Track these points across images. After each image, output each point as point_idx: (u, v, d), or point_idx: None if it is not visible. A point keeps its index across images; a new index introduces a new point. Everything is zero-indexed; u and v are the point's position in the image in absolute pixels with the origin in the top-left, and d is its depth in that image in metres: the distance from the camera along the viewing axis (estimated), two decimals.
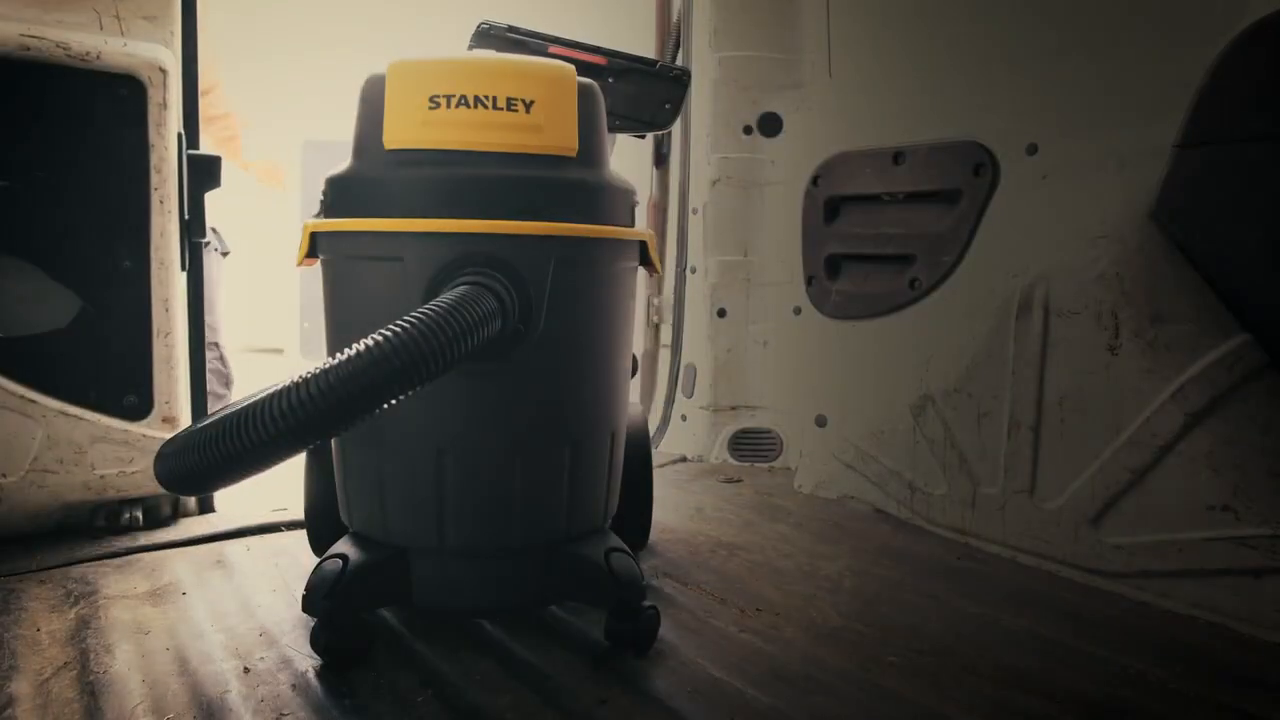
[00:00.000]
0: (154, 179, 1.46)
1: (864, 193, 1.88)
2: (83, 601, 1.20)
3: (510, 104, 1.00)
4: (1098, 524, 1.31)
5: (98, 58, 1.39)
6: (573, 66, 1.07)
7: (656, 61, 1.41)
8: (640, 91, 1.37)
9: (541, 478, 1.06)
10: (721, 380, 2.12)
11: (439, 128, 1.00)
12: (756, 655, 1.08)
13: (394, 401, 0.83)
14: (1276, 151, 1.20)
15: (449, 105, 0.99)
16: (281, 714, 0.93)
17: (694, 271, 2.16)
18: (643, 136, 1.42)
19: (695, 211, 2.15)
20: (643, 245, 1.14)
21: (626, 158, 2.34)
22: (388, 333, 0.82)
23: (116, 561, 1.36)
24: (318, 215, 1.09)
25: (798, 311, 2.03)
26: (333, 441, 1.12)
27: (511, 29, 1.38)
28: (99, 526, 1.47)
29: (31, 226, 1.39)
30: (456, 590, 1.09)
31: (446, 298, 0.89)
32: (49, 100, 1.38)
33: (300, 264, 1.10)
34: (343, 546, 1.08)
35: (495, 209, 0.99)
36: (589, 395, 1.09)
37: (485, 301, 0.90)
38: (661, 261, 2.33)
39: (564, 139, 1.03)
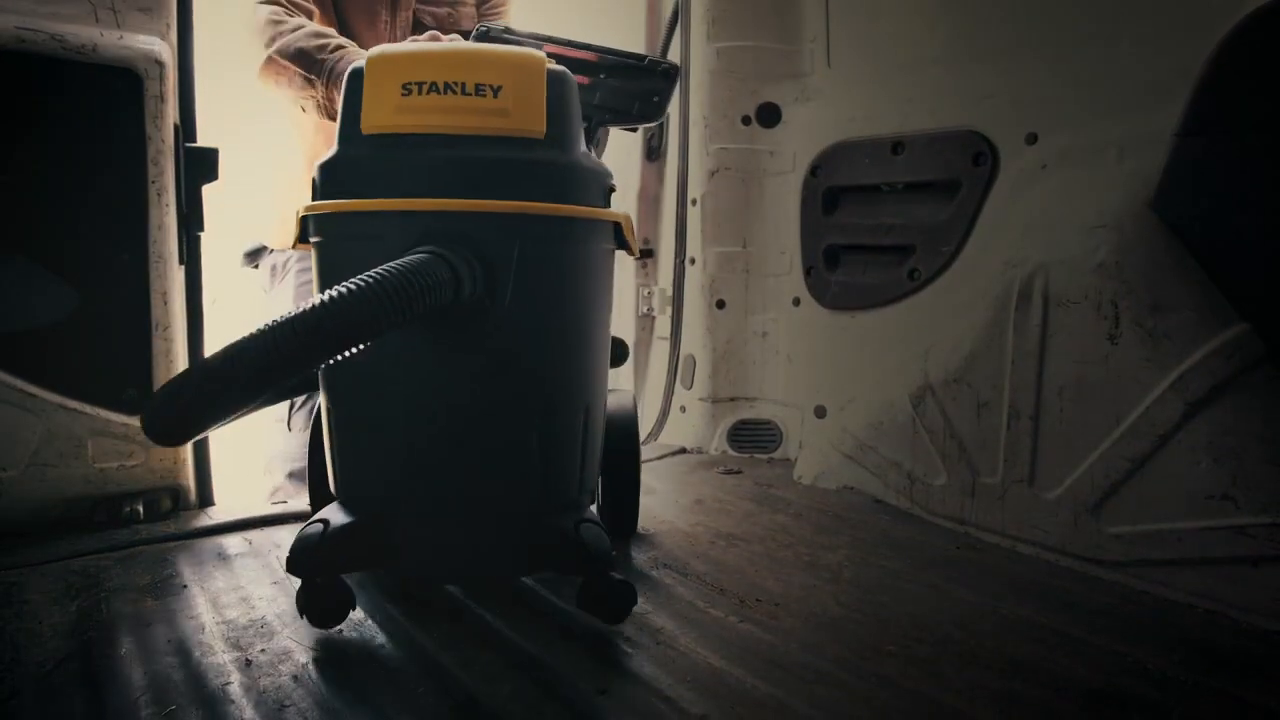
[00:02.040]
0: (151, 172, 1.45)
1: (863, 183, 1.88)
2: (84, 594, 1.20)
3: (479, 89, 1.05)
4: (1097, 513, 1.31)
5: (94, 50, 1.38)
6: (542, 54, 1.11)
7: (645, 57, 1.46)
8: (630, 86, 1.41)
9: (513, 449, 1.09)
10: (720, 371, 2.12)
11: (411, 112, 1.05)
12: (756, 645, 1.08)
13: (349, 352, 0.87)
14: (1276, 140, 1.19)
15: (421, 91, 1.04)
16: (283, 705, 0.93)
17: (692, 263, 2.16)
18: (634, 129, 1.45)
19: (694, 202, 2.14)
20: (617, 226, 1.16)
21: (619, 152, 2.35)
22: (343, 289, 0.87)
23: (117, 555, 1.36)
24: None
25: (797, 302, 2.03)
26: (326, 413, 1.16)
27: (508, 30, 1.44)
28: (99, 520, 1.47)
29: (28, 220, 1.39)
30: (432, 556, 1.13)
31: (400, 262, 0.92)
32: (45, 93, 1.37)
33: (294, 247, 1.14)
34: (326, 513, 1.11)
35: (465, 188, 1.03)
36: (559, 370, 1.12)
37: (438, 269, 0.94)
38: (657, 252, 2.33)
39: (531, 121, 1.07)
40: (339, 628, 1.11)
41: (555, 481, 1.13)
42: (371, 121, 1.06)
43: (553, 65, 1.11)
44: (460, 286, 0.97)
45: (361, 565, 1.17)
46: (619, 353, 1.31)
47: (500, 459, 1.09)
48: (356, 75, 1.09)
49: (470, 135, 1.05)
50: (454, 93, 1.05)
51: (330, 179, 1.10)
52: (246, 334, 0.84)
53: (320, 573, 1.07)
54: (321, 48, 1.70)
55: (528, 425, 1.09)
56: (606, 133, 1.45)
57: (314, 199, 1.12)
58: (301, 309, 0.86)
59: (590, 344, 1.16)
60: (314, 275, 1.16)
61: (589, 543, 1.08)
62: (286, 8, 1.79)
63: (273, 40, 1.74)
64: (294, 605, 1.18)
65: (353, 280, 0.88)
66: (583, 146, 1.16)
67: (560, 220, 1.09)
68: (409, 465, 1.08)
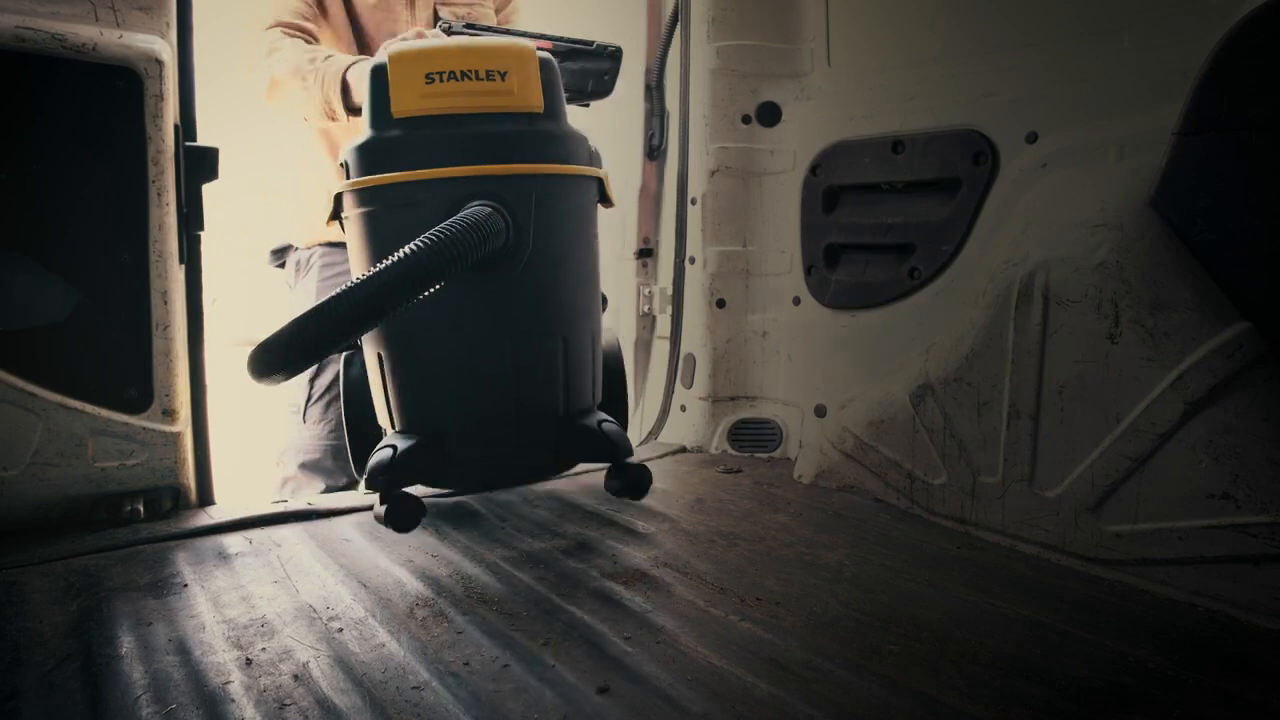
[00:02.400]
0: (151, 171, 1.45)
1: (863, 182, 1.88)
2: (84, 593, 1.20)
3: (489, 74, 1.27)
4: (1097, 512, 1.31)
5: (94, 49, 1.38)
6: (533, 44, 1.34)
7: (593, 42, 1.65)
8: (582, 68, 1.62)
9: (544, 367, 1.34)
10: (721, 371, 2.12)
11: (436, 97, 1.26)
12: (757, 644, 1.08)
13: (432, 289, 1.12)
14: (1277, 139, 1.19)
15: (442, 79, 1.26)
16: (284, 704, 0.93)
17: (693, 262, 2.16)
18: (587, 105, 1.70)
19: (694, 202, 2.14)
20: (599, 182, 1.40)
21: (619, 150, 2.35)
22: (431, 237, 1.11)
23: (118, 554, 1.36)
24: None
25: (797, 302, 2.03)
26: (376, 361, 1.36)
27: (469, 26, 1.68)
28: (100, 519, 1.47)
29: (28, 220, 1.39)
30: (485, 465, 1.37)
31: (469, 214, 1.17)
32: (45, 93, 1.37)
33: (328, 224, 1.35)
34: (391, 439, 1.33)
35: (486, 156, 1.26)
36: (573, 299, 1.37)
37: (496, 218, 1.20)
38: (657, 252, 2.33)
39: (532, 99, 1.30)
40: (339, 627, 1.12)
41: (576, 390, 1.37)
42: (401, 107, 1.26)
43: (541, 53, 1.32)
44: (509, 233, 1.22)
45: (425, 478, 1.38)
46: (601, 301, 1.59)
47: (535, 373, 1.33)
48: (380, 70, 1.28)
49: (485, 113, 1.28)
50: (470, 79, 1.26)
51: (367, 158, 1.29)
52: (362, 276, 1.09)
53: (394, 486, 1.29)
54: (312, 59, 1.80)
55: (555, 344, 1.33)
56: None
57: (347, 179, 1.30)
58: (406, 252, 1.09)
59: (592, 277, 1.41)
60: (357, 244, 1.34)
61: (612, 436, 1.37)
62: (285, 32, 1.92)
63: (270, 64, 1.87)
64: (294, 604, 1.18)
65: (439, 229, 1.12)
66: (568, 117, 1.38)
67: (564, 177, 1.33)
68: (463, 388, 1.31)
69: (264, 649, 1.05)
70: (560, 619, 1.15)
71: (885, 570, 1.33)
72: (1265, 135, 1.20)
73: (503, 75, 1.27)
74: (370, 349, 1.37)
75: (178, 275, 1.52)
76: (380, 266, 1.09)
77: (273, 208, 2.24)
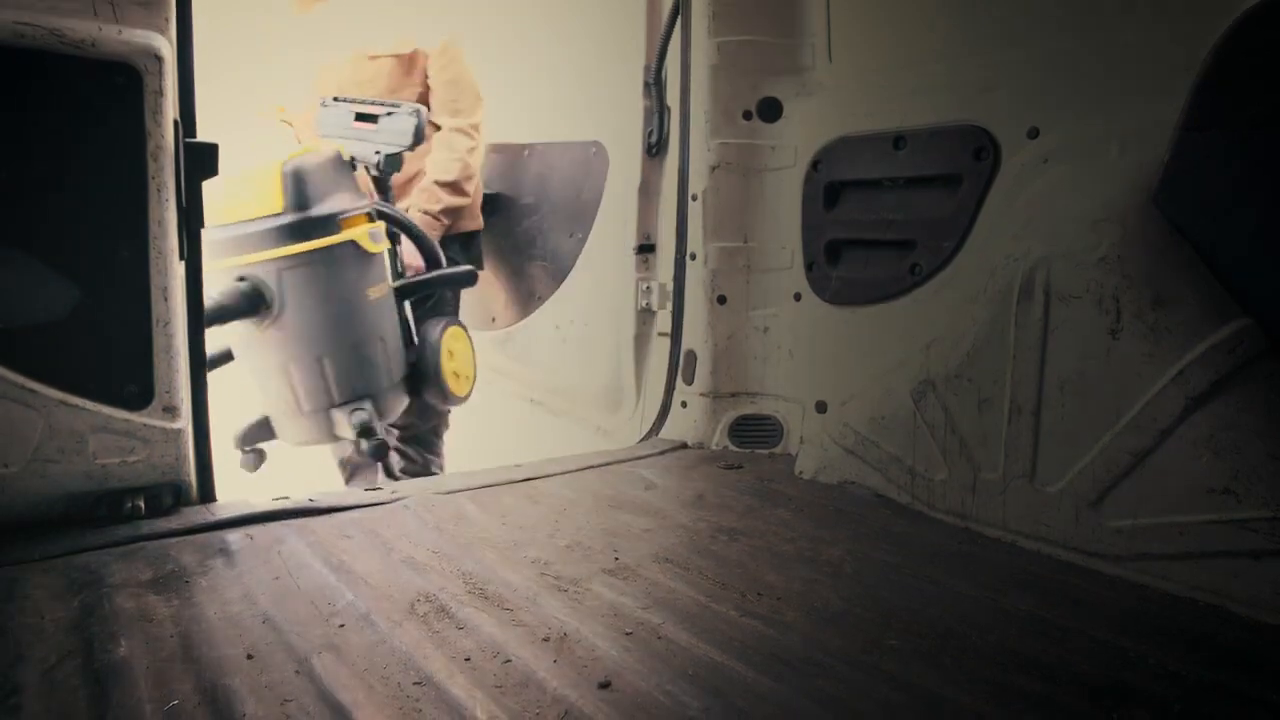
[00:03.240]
0: (151, 167, 1.45)
1: (864, 178, 1.88)
2: (86, 590, 1.20)
3: (247, 193, 1.92)
4: (1098, 507, 1.32)
5: (93, 45, 1.38)
6: (278, 164, 1.94)
7: (401, 104, 2.25)
8: (392, 126, 2.22)
9: (310, 376, 2.02)
10: (722, 367, 2.12)
11: (221, 212, 1.86)
12: (758, 639, 1.08)
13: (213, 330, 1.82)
14: (1278, 135, 1.19)
15: (229, 199, 1.90)
16: (285, 700, 0.93)
17: (693, 258, 2.16)
18: (412, 148, 2.24)
19: (694, 198, 2.14)
20: (353, 241, 2.01)
21: (621, 148, 2.35)
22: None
23: (119, 550, 1.36)
24: None
25: (798, 297, 2.02)
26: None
27: (336, 99, 2.28)
28: (101, 515, 1.47)
29: (28, 216, 1.39)
30: (294, 434, 2.11)
31: (221, 290, 1.88)
32: (44, 89, 1.37)
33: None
34: (248, 417, 2.13)
35: (241, 250, 1.94)
36: (329, 330, 2.01)
37: (240, 295, 1.90)
38: (658, 248, 2.33)
39: (272, 205, 1.93)
40: (341, 623, 1.12)
41: (343, 389, 2.04)
42: (210, 219, 1.69)
43: (290, 164, 1.95)
44: (258, 300, 1.91)
45: (262, 440, 2.14)
46: (467, 278, 2.37)
47: (305, 380, 2.01)
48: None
49: (246, 220, 1.93)
50: (238, 198, 1.93)
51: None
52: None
53: (243, 445, 2.12)
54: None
55: (314, 362, 2.01)
56: (400, 157, 2.25)
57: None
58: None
59: (353, 304, 2.03)
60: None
61: (355, 420, 2.02)
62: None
63: None
64: (295, 601, 1.19)
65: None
66: (322, 201, 1.98)
67: (303, 253, 1.94)
68: (268, 389, 2.05)
69: (266, 645, 1.05)
70: (561, 614, 1.15)
71: (886, 566, 1.34)
72: (1267, 132, 1.20)
73: (253, 193, 1.92)
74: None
75: (178, 271, 1.52)
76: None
77: None
